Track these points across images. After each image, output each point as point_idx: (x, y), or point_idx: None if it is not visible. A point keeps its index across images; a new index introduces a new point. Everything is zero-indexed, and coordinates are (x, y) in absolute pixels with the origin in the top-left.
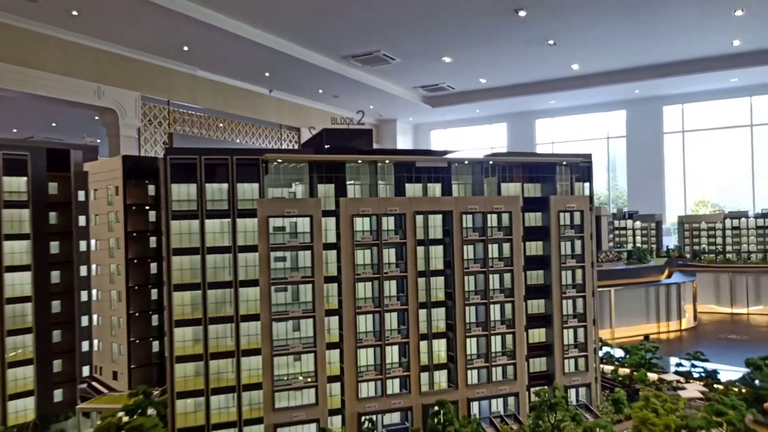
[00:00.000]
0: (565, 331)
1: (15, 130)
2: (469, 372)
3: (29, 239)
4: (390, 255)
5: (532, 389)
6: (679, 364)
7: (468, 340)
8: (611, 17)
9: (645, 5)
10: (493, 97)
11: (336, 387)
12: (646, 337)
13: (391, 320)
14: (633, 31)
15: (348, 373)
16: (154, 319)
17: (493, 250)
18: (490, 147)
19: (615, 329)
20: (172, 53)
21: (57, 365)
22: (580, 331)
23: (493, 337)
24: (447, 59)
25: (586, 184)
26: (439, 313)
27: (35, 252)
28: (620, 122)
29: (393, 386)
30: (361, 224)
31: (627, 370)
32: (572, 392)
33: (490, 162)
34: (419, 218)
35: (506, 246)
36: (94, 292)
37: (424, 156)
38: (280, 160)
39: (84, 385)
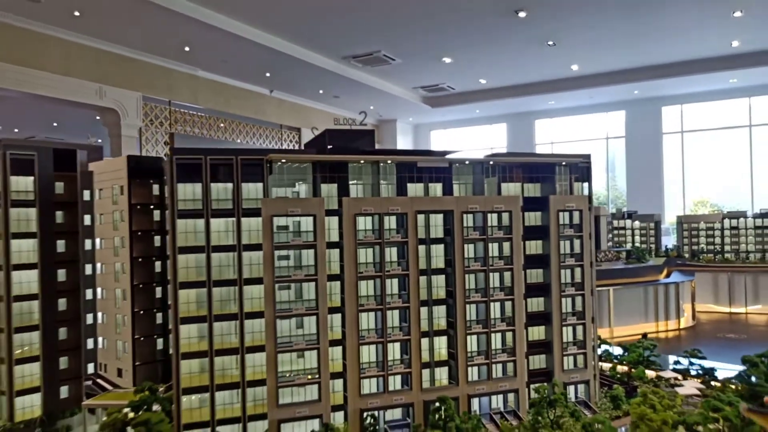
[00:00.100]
0: (564, 328)
1: (16, 130)
2: (469, 369)
3: (36, 238)
4: (392, 254)
5: (532, 386)
6: (677, 362)
7: (468, 337)
8: (611, 18)
9: (645, 6)
10: (493, 97)
11: (339, 383)
12: (645, 335)
13: (393, 318)
14: (633, 32)
15: (350, 369)
16: (159, 317)
17: (494, 248)
18: (489, 147)
19: (614, 328)
20: (173, 53)
21: (63, 362)
22: (579, 328)
23: (493, 335)
24: (447, 60)
25: (585, 184)
26: (440, 311)
27: (42, 250)
28: (619, 122)
29: (395, 383)
30: (364, 223)
31: (625, 368)
32: (571, 389)
33: (491, 162)
34: (421, 217)
35: (506, 245)
36: (99, 290)
37: (426, 156)
38: (284, 160)
39: (89, 382)
